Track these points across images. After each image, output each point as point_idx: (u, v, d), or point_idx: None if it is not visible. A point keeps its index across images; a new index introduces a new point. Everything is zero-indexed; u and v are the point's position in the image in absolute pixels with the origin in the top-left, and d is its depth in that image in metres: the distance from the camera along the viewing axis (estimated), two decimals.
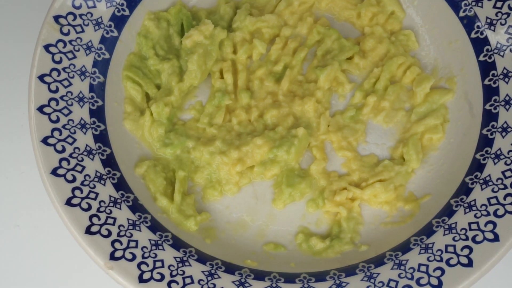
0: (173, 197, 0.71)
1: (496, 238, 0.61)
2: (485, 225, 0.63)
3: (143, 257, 0.63)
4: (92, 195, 0.65)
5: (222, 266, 0.65)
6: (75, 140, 0.68)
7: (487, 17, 0.73)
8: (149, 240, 0.65)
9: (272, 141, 0.73)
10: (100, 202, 0.65)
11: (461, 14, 0.75)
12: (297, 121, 0.77)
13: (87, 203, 0.65)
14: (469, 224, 0.64)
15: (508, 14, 0.72)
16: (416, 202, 0.71)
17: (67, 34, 0.72)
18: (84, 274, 0.75)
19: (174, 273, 0.62)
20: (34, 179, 0.71)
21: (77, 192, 0.65)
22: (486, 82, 0.72)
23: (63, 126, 0.68)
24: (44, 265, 0.76)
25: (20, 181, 0.80)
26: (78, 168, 0.67)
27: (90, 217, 0.64)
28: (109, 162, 0.69)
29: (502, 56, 0.71)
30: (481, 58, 0.73)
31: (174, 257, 0.64)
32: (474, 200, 0.65)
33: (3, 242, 0.77)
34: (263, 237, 0.71)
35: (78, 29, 0.73)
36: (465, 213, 0.65)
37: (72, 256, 0.74)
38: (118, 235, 0.64)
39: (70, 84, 0.71)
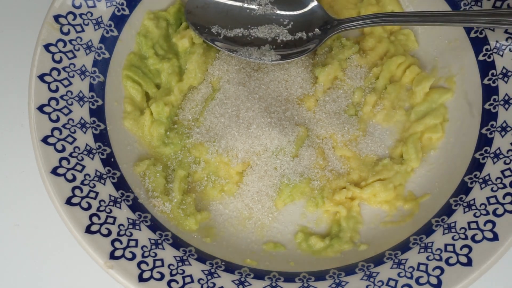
0: (173, 196, 0.71)
1: (495, 237, 0.61)
2: (484, 224, 0.63)
3: (143, 256, 0.63)
4: (92, 194, 0.66)
5: (221, 265, 0.65)
6: (75, 139, 0.68)
7: None
8: (149, 239, 0.65)
9: None
10: (100, 201, 0.65)
11: None
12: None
13: (87, 202, 0.65)
14: (468, 223, 0.64)
15: None
16: (416, 201, 0.71)
17: (67, 33, 0.72)
18: (84, 273, 0.75)
19: (174, 272, 0.62)
20: (34, 179, 0.71)
21: (77, 191, 0.65)
22: (486, 81, 0.72)
23: (63, 126, 0.68)
24: (44, 264, 0.76)
25: (20, 180, 0.80)
26: (78, 167, 0.67)
27: (90, 216, 0.64)
28: (109, 161, 0.69)
29: (501, 56, 0.71)
30: (481, 57, 0.73)
31: (174, 256, 0.64)
32: (474, 199, 0.65)
33: (3, 241, 0.77)
34: (263, 236, 0.72)
35: (78, 28, 0.73)
36: (464, 212, 0.65)
37: (72, 255, 0.74)
38: (118, 234, 0.64)
39: (70, 83, 0.71)
